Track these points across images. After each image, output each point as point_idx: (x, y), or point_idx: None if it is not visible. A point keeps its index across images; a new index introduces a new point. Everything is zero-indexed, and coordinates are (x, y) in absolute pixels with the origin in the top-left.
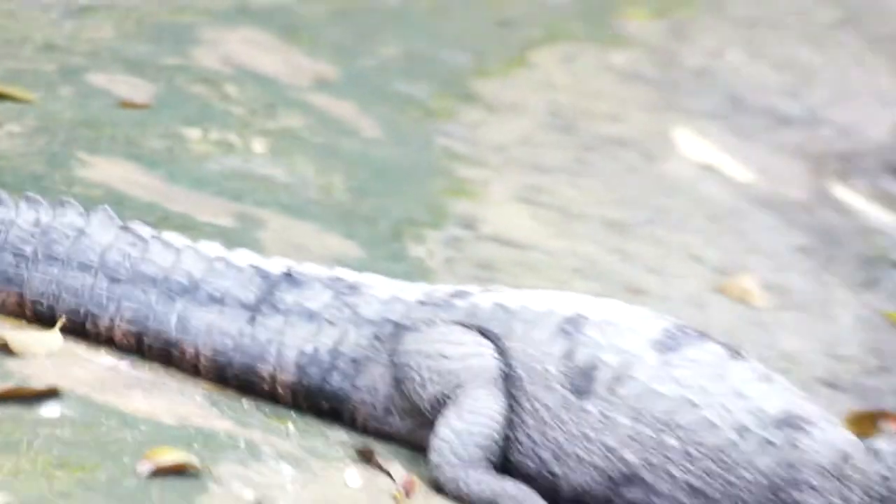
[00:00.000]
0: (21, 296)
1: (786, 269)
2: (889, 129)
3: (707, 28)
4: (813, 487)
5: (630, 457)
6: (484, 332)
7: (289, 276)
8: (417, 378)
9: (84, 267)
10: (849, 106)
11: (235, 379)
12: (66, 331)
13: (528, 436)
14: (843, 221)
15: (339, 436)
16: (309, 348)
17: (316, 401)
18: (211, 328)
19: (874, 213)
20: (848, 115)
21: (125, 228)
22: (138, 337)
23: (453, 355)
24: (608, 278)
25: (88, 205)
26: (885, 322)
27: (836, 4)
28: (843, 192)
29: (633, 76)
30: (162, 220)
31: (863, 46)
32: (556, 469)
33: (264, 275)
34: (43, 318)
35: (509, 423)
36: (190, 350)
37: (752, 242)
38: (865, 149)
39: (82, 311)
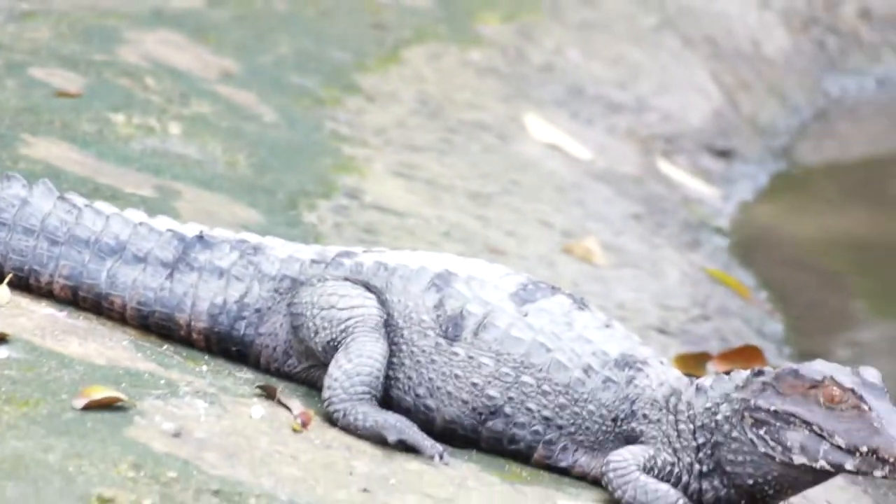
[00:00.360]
0: None
1: (621, 233)
2: (705, 115)
3: (549, 31)
4: (648, 418)
5: (493, 393)
6: (367, 287)
7: (201, 239)
8: (311, 326)
9: (28, 231)
10: (670, 95)
11: (157, 326)
12: (12, 286)
13: (406, 375)
14: (668, 193)
15: (245, 376)
16: (219, 300)
17: (226, 345)
18: (136, 283)
19: (694, 185)
20: (670, 103)
21: (62, 198)
22: (74, 291)
23: (342, 306)
24: (472, 240)
25: (31, 178)
26: (707, 277)
27: (657, 10)
28: (667, 168)
29: (489, 71)
30: (93, 191)
31: (680, 46)
32: (431, 403)
33: (180, 238)
34: None
35: (390, 365)
36: (118, 302)
37: (592, 210)
38: (685, 131)
39: (26, 268)
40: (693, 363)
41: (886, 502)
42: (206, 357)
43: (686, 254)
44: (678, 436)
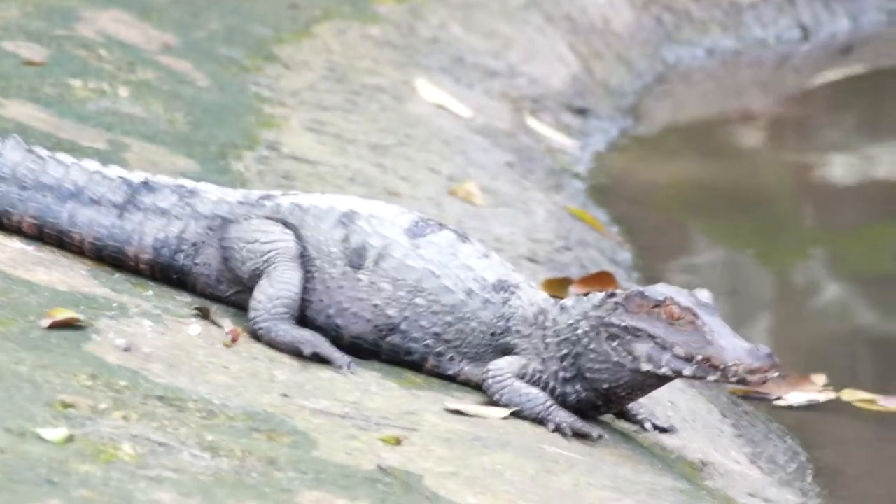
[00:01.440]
0: None
1: (497, 177)
2: (564, 80)
3: (435, 10)
4: (520, 333)
5: (391, 313)
6: (285, 224)
7: (146, 184)
8: (239, 257)
9: (1, 178)
10: (536, 63)
11: (110, 258)
12: None
13: (319, 298)
14: (535, 144)
15: (185, 299)
16: (162, 236)
17: (167, 274)
18: (92, 222)
19: (557, 138)
20: (536, 70)
21: (30, 150)
22: (40, 228)
23: (264, 240)
24: (372, 185)
25: (3, 134)
26: (568, 215)
27: None
28: (534, 124)
29: (385, 43)
30: (56, 144)
31: (543, 22)
32: (339, 322)
33: (129, 183)
34: None
35: (305, 289)
36: (77, 238)
37: (472, 159)
38: (549, 93)
39: (0, 210)
40: (557, 287)
41: (718, 401)
42: (152, 284)
43: (551, 195)
44: (546, 348)
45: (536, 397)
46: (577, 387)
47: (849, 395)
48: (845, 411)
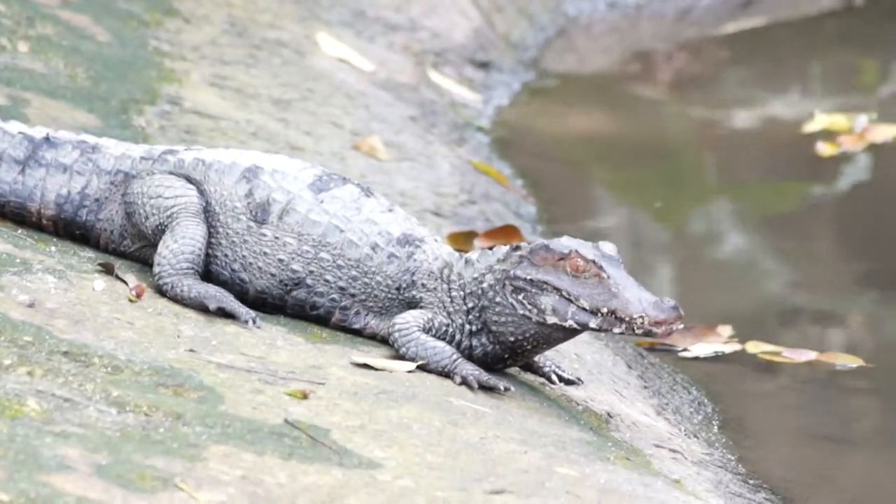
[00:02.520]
0: None
1: (400, 132)
2: (466, 33)
3: None
4: (426, 287)
5: (297, 267)
6: (189, 179)
7: (48, 140)
8: (142, 212)
9: None
10: (438, 17)
11: (12, 214)
12: None
13: (223, 253)
14: (438, 98)
15: (88, 255)
16: (64, 192)
17: (70, 230)
18: None
19: (460, 92)
20: (438, 24)
21: None
22: None
23: (167, 195)
24: (275, 139)
25: None
26: (472, 169)
27: None
28: (437, 78)
29: None
30: None
31: None
32: (244, 276)
33: (30, 139)
34: None
35: (209, 245)
36: None
37: (375, 114)
38: (451, 47)
39: None
40: (462, 240)
41: (624, 353)
42: (55, 240)
43: (454, 149)
44: (451, 301)
45: (443, 350)
46: (484, 340)
47: (754, 346)
48: (750, 363)
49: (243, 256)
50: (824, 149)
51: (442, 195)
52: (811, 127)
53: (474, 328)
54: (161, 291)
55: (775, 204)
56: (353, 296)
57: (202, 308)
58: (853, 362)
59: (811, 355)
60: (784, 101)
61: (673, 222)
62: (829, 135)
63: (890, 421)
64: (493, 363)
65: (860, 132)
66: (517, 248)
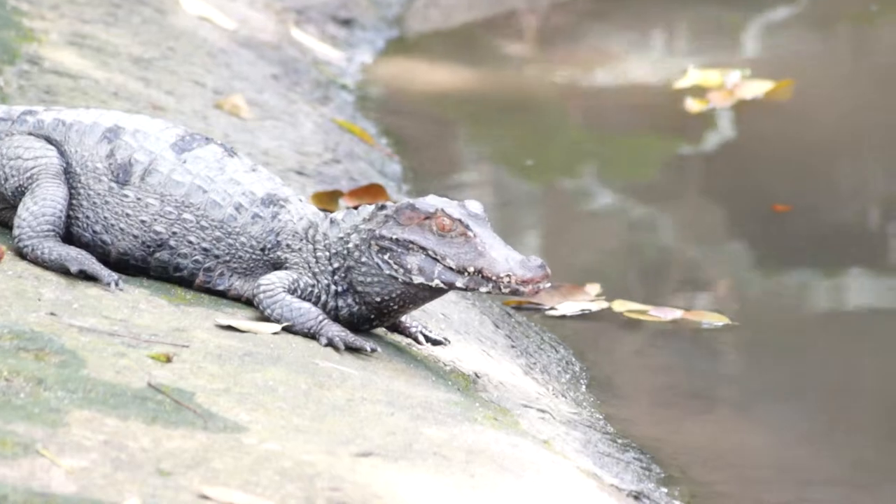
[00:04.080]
0: None
1: (263, 90)
2: None
3: None
4: (291, 248)
5: (159, 228)
6: (49, 140)
7: None
8: (1, 174)
9: None
10: None
11: None
12: None
13: (85, 215)
14: (301, 56)
15: None
16: None
17: None
18: None
19: (323, 50)
20: None
21: None
22: None
23: (27, 157)
24: (136, 99)
25: None
26: (336, 127)
27: None
28: (300, 36)
29: None
30: None
31: None
32: (106, 238)
33: None
34: None
35: (70, 206)
36: None
37: (238, 72)
38: (313, 4)
39: None
40: (327, 200)
41: (491, 312)
42: None
43: (318, 107)
44: (316, 262)
45: (308, 311)
46: (350, 301)
47: (620, 305)
48: (617, 321)
49: (105, 218)
50: (693, 105)
51: (306, 154)
52: (682, 83)
53: (340, 289)
54: (21, 254)
55: (643, 161)
56: (217, 257)
57: (63, 270)
58: (719, 320)
59: (677, 314)
60: (650, 58)
61: (540, 180)
62: (699, 91)
63: (754, 378)
64: (360, 324)
65: (730, 88)
66: (382, 207)
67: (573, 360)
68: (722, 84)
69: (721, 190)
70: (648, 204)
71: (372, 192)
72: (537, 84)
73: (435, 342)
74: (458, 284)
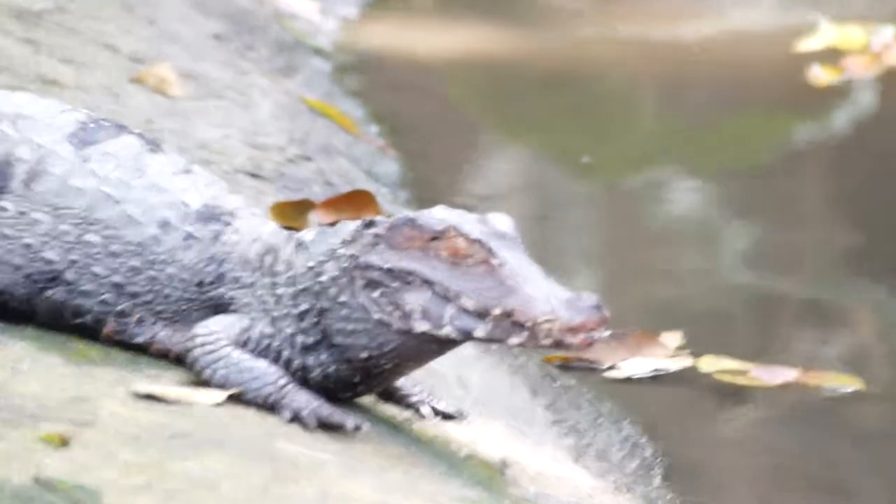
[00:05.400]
0: None
1: (202, 57)
2: None
3: None
4: (239, 282)
5: (52, 255)
6: None
7: None
8: None
9: None
10: None
11: None
12: None
13: None
14: (256, 7)
15: None
16: None
17: None
18: None
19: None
20: None
21: None
22: None
23: None
24: (19, 70)
25: None
26: (306, 109)
27: None
28: None
29: None
30: None
31: None
32: None
33: None
34: None
35: None
36: None
37: (166, 30)
38: None
39: None
40: (293, 213)
41: (526, 374)
42: None
43: (280, 80)
44: (276, 302)
45: (265, 374)
46: (324, 357)
47: (710, 362)
48: (705, 386)
49: None
50: (821, 75)
51: (263, 148)
52: (808, 43)
53: (310, 340)
54: None
55: (746, 156)
56: (133, 296)
57: None
58: (849, 385)
59: (790, 375)
60: (760, 7)
61: (600, 183)
62: (831, 55)
63: None
64: (339, 390)
65: (878, 51)
66: (371, 223)
67: (643, 440)
68: (866, 45)
69: (857, 195)
70: (753, 216)
71: (356, 201)
72: (596, 47)
73: (446, 416)
74: (479, 334)
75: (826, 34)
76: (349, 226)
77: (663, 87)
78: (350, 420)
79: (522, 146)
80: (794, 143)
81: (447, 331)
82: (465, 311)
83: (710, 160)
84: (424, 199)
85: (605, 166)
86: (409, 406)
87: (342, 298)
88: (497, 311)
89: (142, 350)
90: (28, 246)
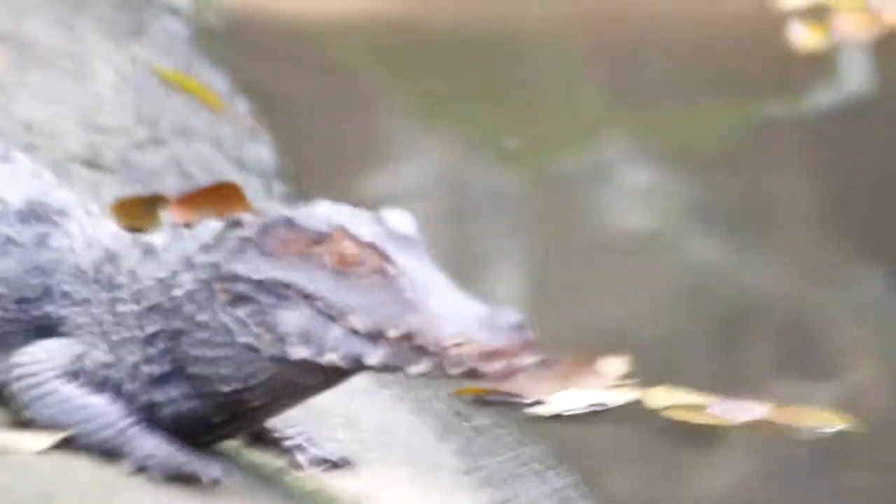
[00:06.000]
0: None
1: (24, 16)
2: None
3: None
4: (70, 297)
5: None
6: None
7: None
8: None
9: None
10: None
11: None
12: None
13: None
14: None
15: None
16: None
17: None
18: None
19: None
20: None
21: None
22: None
23: None
24: None
25: None
26: (158, 82)
27: None
28: None
29: None
30: None
31: None
32: None
33: None
34: None
35: None
36: None
37: None
38: None
39: None
40: (140, 212)
41: (432, 411)
42: None
43: (126, 45)
44: (117, 323)
45: (102, 413)
46: (177, 391)
47: (660, 396)
48: (655, 425)
49: None
50: (804, 37)
51: (103, 130)
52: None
53: (158, 370)
54: None
55: (710, 138)
56: None
57: None
58: (831, 423)
59: (759, 411)
60: None
61: (528, 173)
62: (816, 13)
63: None
64: (197, 432)
65: (873, 11)
66: (237, 224)
67: (576, 494)
68: (860, 2)
69: (846, 185)
70: (716, 213)
71: (220, 196)
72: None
73: (329, 464)
74: (371, 361)
75: None
76: (210, 227)
77: (610, 52)
78: (209, 471)
79: (430, 127)
80: (769, 122)
81: (331, 357)
82: (355, 332)
83: (666, 143)
84: (306, 194)
85: (534, 151)
86: (285, 452)
87: (200, 318)
88: (394, 333)
89: None
90: None
